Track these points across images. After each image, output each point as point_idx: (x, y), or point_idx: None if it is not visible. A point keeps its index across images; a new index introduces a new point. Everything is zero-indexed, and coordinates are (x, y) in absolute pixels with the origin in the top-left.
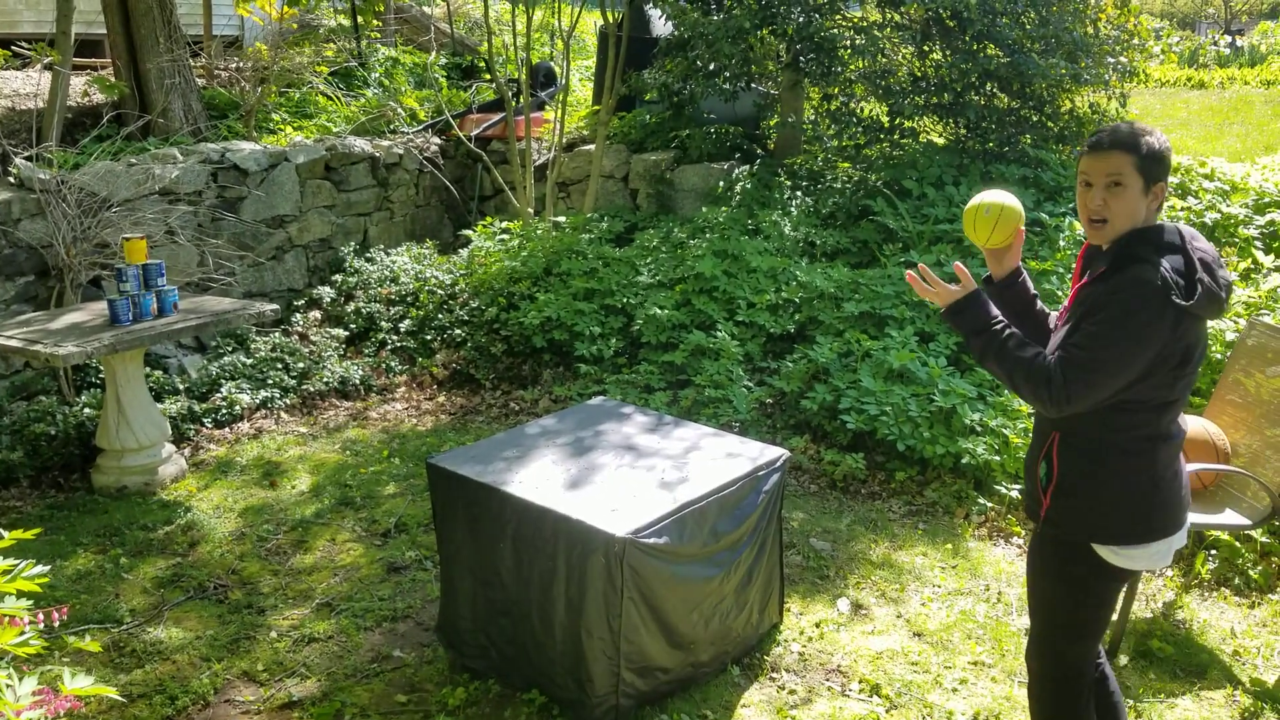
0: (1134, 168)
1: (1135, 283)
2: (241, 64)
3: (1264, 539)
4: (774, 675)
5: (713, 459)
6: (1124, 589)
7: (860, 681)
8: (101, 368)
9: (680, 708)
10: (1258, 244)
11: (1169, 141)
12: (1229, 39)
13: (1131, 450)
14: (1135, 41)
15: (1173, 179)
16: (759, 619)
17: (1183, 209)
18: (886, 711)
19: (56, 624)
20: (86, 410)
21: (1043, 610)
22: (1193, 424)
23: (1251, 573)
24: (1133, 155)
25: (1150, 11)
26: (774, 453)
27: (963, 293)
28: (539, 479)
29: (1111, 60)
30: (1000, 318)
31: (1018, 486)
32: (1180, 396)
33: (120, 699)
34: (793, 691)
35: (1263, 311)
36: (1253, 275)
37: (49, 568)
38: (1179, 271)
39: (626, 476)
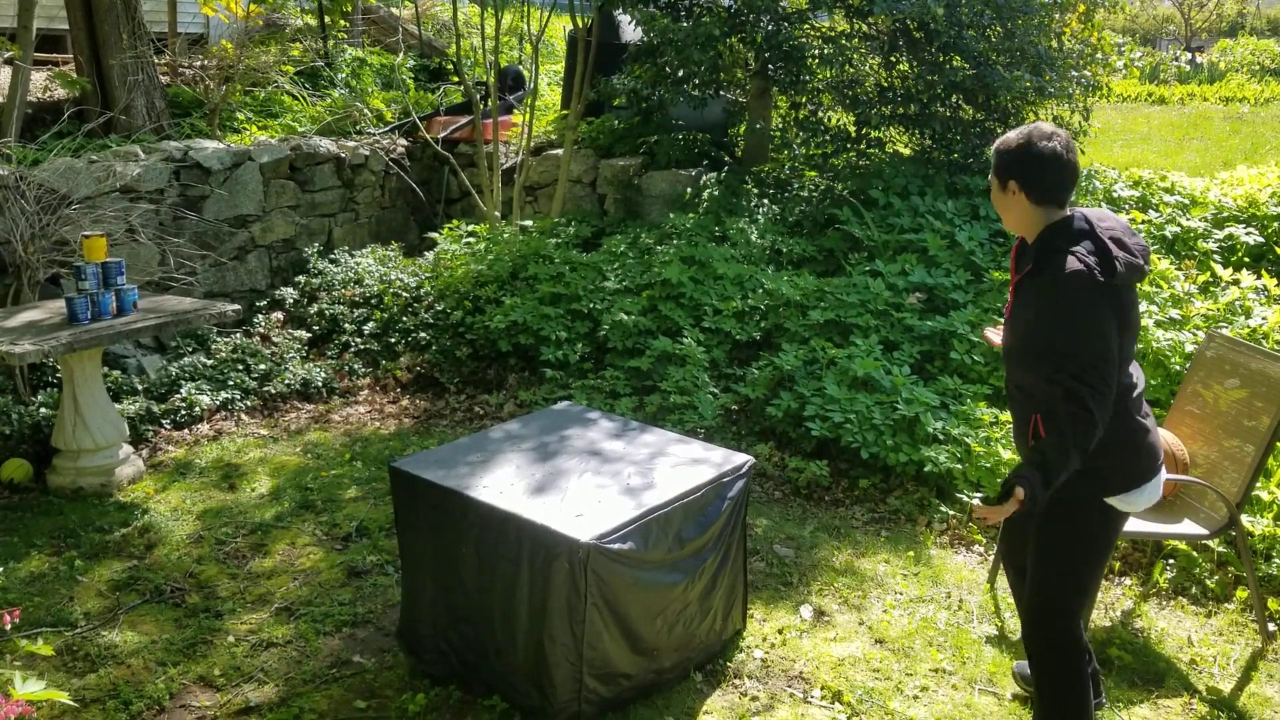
0: (992, 172)
1: (1064, 279)
2: (206, 62)
3: (1220, 549)
4: (736, 682)
5: (678, 465)
6: None
7: (822, 688)
8: (59, 367)
9: (643, 714)
10: (1216, 257)
11: (1044, 147)
12: (1189, 56)
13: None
14: (1098, 56)
15: (1134, 192)
16: (722, 625)
17: (1144, 222)
18: (848, 718)
19: (8, 626)
20: (43, 410)
21: (1051, 574)
22: None
23: (1208, 582)
24: (995, 157)
25: (1112, 27)
26: (739, 459)
27: (1020, 499)
28: (503, 484)
29: (1075, 74)
30: (1030, 467)
31: (979, 495)
32: (1127, 352)
33: (73, 704)
34: (755, 698)
35: (1221, 324)
36: (1211, 289)
37: (1, 569)
38: (1094, 253)
39: (591, 482)
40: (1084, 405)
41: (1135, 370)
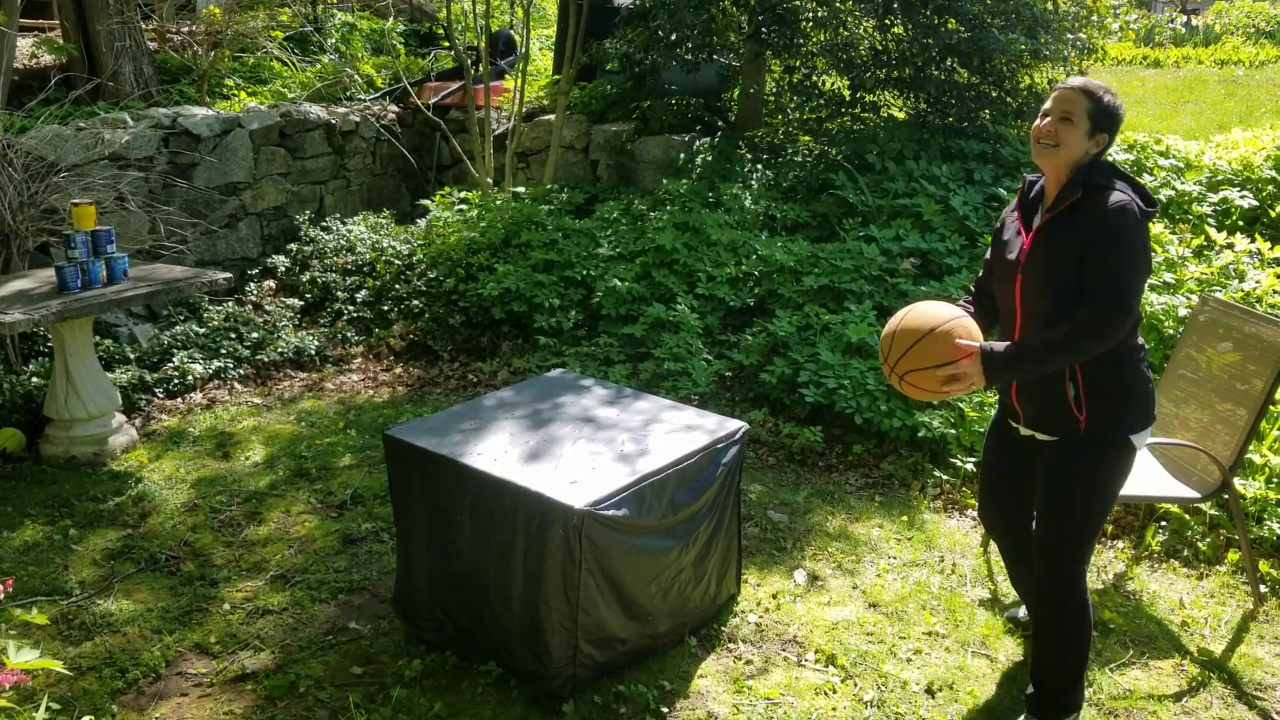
0: (1085, 111)
1: (1122, 212)
2: (194, 28)
3: (1212, 512)
4: (731, 646)
5: (672, 431)
6: None
7: (816, 652)
8: (49, 336)
9: (638, 678)
10: (1210, 221)
11: (1124, 108)
12: (1185, 18)
13: (1128, 357)
14: (1094, 18)
15: (1129, 155)
16: (716, 590)
17: None
18: (842, 681)
19: (2, 596)
20: (34, 379)
21: (1073, 510)
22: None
23: (1200, 545)
24: (1088, 101)
25: None
26: (733, 425)
27: (980, 365)
28: (497, 451)
29: (1070, 36)
30: (1009, 346)
31: (973, 459)
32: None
33: (68, 672)
34: (749, 662)
35: (1215, 288)
36: (1205, 252)
37: None
38: (1134, 190)
39: (585, 449)
40: (1106, 324)
41: None
